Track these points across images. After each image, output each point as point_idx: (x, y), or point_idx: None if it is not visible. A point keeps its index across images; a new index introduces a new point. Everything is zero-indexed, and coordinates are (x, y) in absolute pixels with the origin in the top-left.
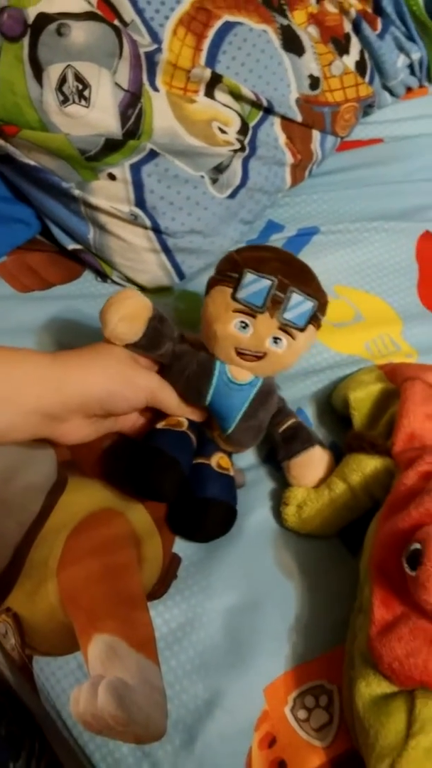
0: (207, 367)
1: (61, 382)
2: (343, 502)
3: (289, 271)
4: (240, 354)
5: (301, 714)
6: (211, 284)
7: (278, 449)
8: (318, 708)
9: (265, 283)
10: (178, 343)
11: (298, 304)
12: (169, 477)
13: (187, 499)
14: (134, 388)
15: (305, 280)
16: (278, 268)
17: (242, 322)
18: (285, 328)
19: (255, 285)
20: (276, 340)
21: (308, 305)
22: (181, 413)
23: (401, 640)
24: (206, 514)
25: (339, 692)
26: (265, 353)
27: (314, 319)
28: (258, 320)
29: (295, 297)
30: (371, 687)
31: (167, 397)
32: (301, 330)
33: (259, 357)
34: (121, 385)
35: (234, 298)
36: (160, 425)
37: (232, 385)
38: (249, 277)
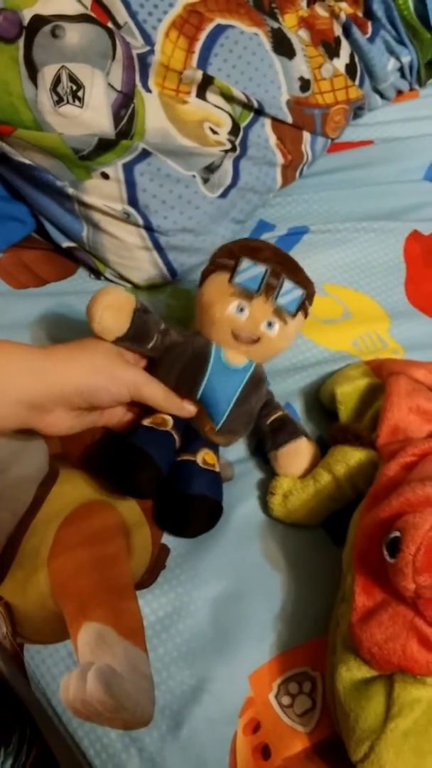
0: (203, 352)
1: (46, 374)
2: (328, 492)
3: (281, 261)
4: (236, 337)
5: (285, 700)
6: (206, 274)
7: (266, 440)
8: (301, 694)
9: (260, 269)
10: (166, 336)
11: (290, 291)
12: (146, 476)
13: (172, 496)
14: (117, 382)
15: (295, 269)
16: (271, 257)
17: (239, 305)
18: (278, 312)
19: (251, 271)
20: (270, 324)
21: (298, 292)
22: (168, 408)
23: (381, 625)
24: (191, 510)
25: (322, 679)
26: (260, 337)
27: (303, 306)
28: (254, 304)
29: (287, 284)
30: (352, 672)
31: (153, 392)
32: (292, 316)
33: (254, 340)
34: (104, 378)
35: (231, 282)
36: (145, 422)
37: (228, 369)
38: (245, 263)
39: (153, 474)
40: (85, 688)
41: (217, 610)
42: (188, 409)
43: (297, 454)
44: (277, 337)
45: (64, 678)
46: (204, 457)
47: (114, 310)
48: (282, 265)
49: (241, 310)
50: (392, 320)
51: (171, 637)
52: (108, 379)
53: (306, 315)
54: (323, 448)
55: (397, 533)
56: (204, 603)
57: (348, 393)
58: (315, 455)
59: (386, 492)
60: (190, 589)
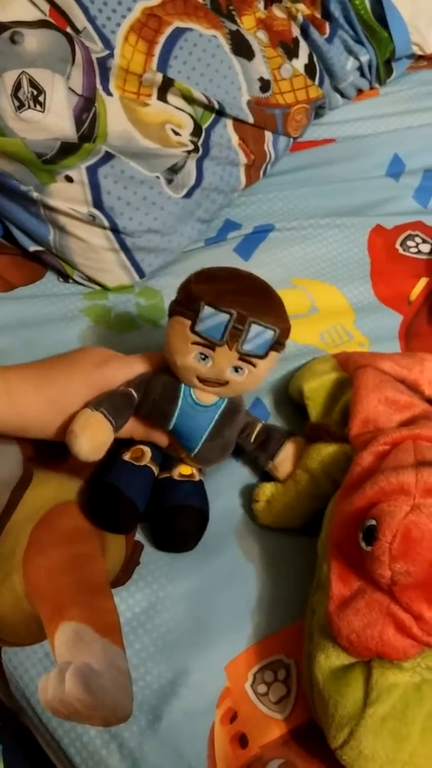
0: (172, 390)
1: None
2: (308, 491)
3: (249, 302)
4: (202, 381)
5: (261, 689)
6: (171, 312)
7: (258, 457)
8: (276, 682)
9: (223, 317)
10: (139, 386)
11: (258, 335)
12: (121, 515)
13: (155, 515)
14: None
15: (266, 309)
16: (236, 300)
17: (201, 353)
18: (245, 358)
19: (213, 319)
20: (237, 369)
21: (268, 335)
22: (144, 437)
23: (358, 613)
24: (173, 521)
25: (296, 665)
26: (227, 381)
27: (276, 345)
28: (217, 353)
29: (255, 328)
30: (330, 659)
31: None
32: (262, 358)
33: (221, 384)
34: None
35: (193, 330)
36: (125, 456)
37: (198, 407)
38: (207, 311)
39: (128, 512)
40: (64, 687)
41: (192, 603)
42: (162, 437)
43: (293, 455)
44: (245, 380)
45: (42, 678)
46: (180, 470)
47: (97, 448)
48: (250, 307)
49: (204, 358)
50: (357, 313)
51: (147, 633)
52: None
53: (281, 350)
54: None
55: (373, 521)
56: (179, 597)
57: (315, 389)
58: (304, 446)
59: (360, 481)
60: (164, 584)
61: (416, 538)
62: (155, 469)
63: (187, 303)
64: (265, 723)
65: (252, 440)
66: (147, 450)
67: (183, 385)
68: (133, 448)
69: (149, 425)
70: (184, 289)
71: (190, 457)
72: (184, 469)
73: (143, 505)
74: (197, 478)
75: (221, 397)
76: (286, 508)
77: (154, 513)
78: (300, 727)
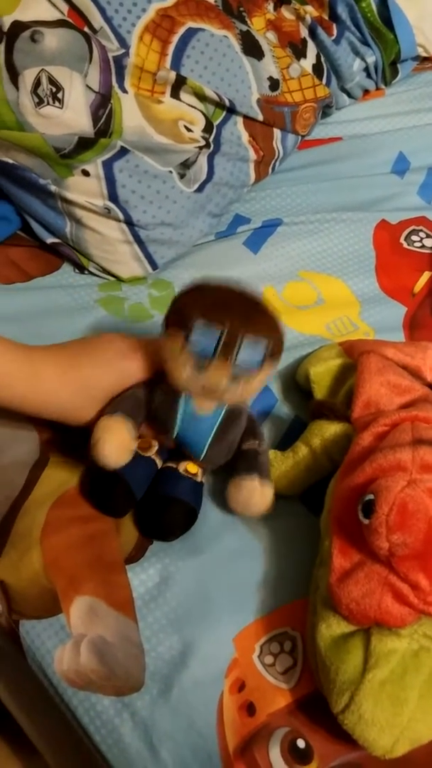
0: (172, 401)
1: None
2: (305, 464)
3: (240, 314)
4: (201, 390)
5: (268, 659)
6: (166, 325)
7: (233, 464)
8: (283, 653)
9: (215, 333)
10: (145, 389)
11: (251, 347)
12: (118, 500)
13: (149, 499)
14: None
15: (257, 320)
16: (227, 314)
17: (197, 369)
18: (239, 372)
19: (205, 335)
20: (233, 379)
21: (261, 346)
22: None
23: (358, 583)
24: (165, 511)
25: (302, 638)
26: (225, 391)
27: (270, 355)
28: (211, 368)
29: (247, 342)
30: (331, 628)
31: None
32: (257, 371)
33: (219, 394)
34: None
35: (186, 346)
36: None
37: (198, 417)
38: (198, 328)
39: (124, 497)
40: (79, 658)
41: (202, 577)
42: (165, 442)
43: (239, 489)
44: (242, 390)
45: (58, 650)
46: (186, 466)
47: (120, 450)
48: (241, 319)
49: (201, 368)
50: (363, 305)
51: (159, 606)
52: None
53: (276, 360)
54: (301, 427)
55: (371, 496)
56: (190, 572)
57: (321, 373)
58: (263, 496)
59: (360, 460)
60: (175, 560)
61: (412, 511)
62: (159, 463)
63: (178, 319)
64: (271, 692)
65: (239, 448)
66: (155, 443)
67: (182, 397)
68: (142, 439)
69: (156, 429)
70: (175, 305)
71: (198, 461)
72: (191, 467)
73: (140, 493)
74: (200, 479)
75: (221, 406)
76: (282, 475)
77: (147, 497)
78: (305, 697)
